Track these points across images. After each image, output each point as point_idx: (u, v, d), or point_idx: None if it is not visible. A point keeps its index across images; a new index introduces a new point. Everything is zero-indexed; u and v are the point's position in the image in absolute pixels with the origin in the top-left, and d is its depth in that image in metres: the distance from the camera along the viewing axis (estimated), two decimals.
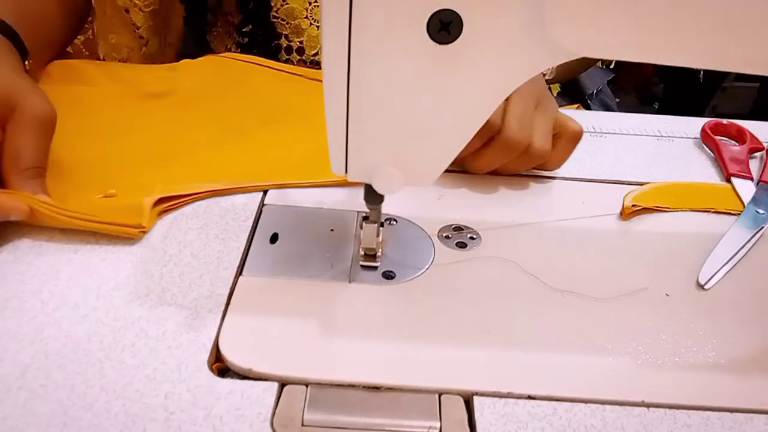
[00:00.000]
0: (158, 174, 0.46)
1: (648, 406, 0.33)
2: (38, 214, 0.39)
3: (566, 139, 0.49)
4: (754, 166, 0.54)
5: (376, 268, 0.40)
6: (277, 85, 0.59)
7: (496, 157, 0.48)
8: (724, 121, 0.59)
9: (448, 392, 0.33)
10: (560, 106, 0.76)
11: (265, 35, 0.65)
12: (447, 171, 0.37)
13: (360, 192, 0.38)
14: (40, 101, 0.43)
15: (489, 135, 0.46)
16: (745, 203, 0.49)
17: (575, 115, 0.52)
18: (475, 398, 0.33)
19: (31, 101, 0.43)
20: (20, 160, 0.41)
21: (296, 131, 0.52)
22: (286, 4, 0.62)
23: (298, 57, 0.65)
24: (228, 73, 0.60)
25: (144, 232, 0.41)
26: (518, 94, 0.46)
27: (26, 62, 0.50)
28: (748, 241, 0.45)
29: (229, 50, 0.67)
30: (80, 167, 0.46)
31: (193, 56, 0.62)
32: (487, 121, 0.43)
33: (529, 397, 0.33)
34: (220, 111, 0.54)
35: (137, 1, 0.63)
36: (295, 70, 0.61)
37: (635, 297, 0.40)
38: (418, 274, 0.40)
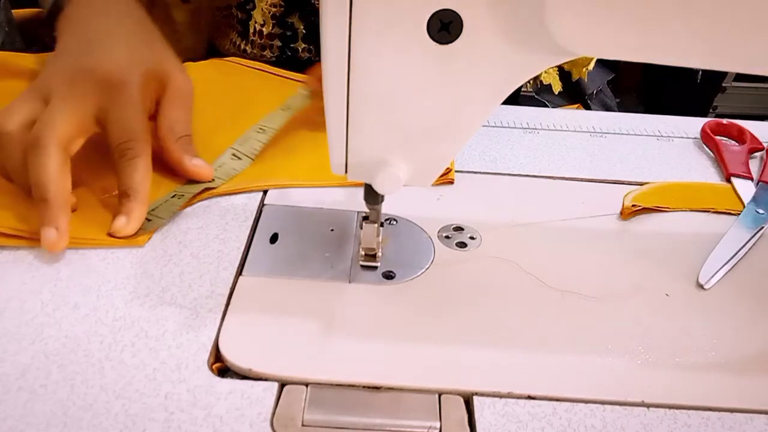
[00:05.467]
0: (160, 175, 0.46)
1: (648, 406, 0.33)
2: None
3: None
4: (754, 166, 0.54)
5: (376, 268, 0.40)
6: (278, 89, 0.59)
7: None
8: (724, 121, 0.59)
9: (448, 392, 0.33)
10: (560, 106, 0.76)
11: None
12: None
13: (360, 192, 0.38)
14: (184, 77, 0.49)
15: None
16: (745, 203, 0.49)
17: (576, 115, 0.52)
18: (475, 398, 0.33)
19: (178, 77, 0.48)
20: (175, 131, 0.46)
21: (297, 134, 0.52)
22: None
23: None
24: (228, 76, 0.60)
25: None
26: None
27: None
28: (748, 241, 0.45)
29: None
30: (86, 166, 0.46)
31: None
32: None
33: (529, 397, 0.33)
34: (219, 113, 0.54)
35: None
36: (297, 77, 0.61)
37: (635, 297, 0.40)
38: (418, 274, 0.40)
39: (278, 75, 0.61)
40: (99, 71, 0.44)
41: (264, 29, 0.65)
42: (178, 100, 0.48)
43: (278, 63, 0.66)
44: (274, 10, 0.64)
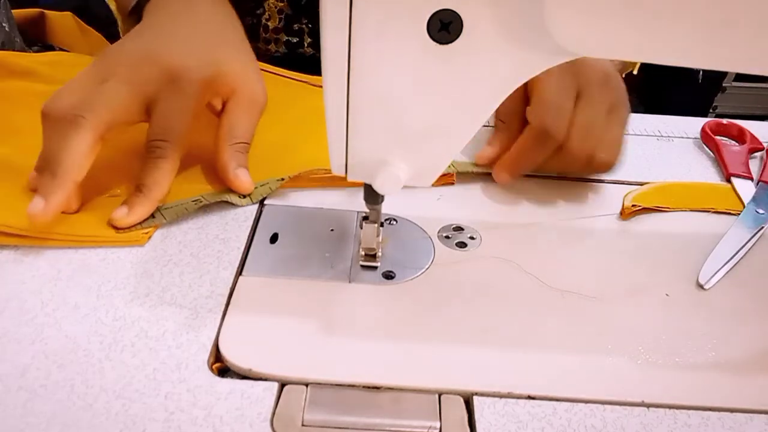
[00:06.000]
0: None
1: (648, 406, 0.33)
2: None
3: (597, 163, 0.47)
4: (754, 166, 0.54)
5: (376, 268, 0.40)
6: (280, 89, 0.59)
7: (556, 166, 0.47)
8: (724, 121, 0.59)
9: (448, 392, 0.33)
10: None
11: None
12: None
13: (360, 192, 0.38)
14: (256, 86, 0.49)
15: (554, 144, 0.45)
16: (745, 203, 0.49)
17: None
18: (475, 398, 0.33)
19: (249, 84, 0.48)
20: (232, 135, 0.46)
21: (296, 133, 0.52)
22: None
23: None
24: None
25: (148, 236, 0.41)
26: (588, 97, 0.44)
27: None
28: (748, 241, 0.45)
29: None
30: (99, 164, 0.46)
31: None
32: (551, 129, 0.43)
33: (529, 397, 0.33)
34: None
35: None
36: (298, 76, 0.61)
37: (635, 297, 0.40)
38: (418, 274, 0.40)
39: (282, 75, 0.61)
40: (163, 61, 0.43)
41: (270, 24, 0.65)
42: (243, 106, 0.47)
43: (283, 58, 0.66)
44: (281, 5, 0.64)
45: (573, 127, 0.44)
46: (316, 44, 0.65)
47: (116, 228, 0.41)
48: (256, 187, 0.45)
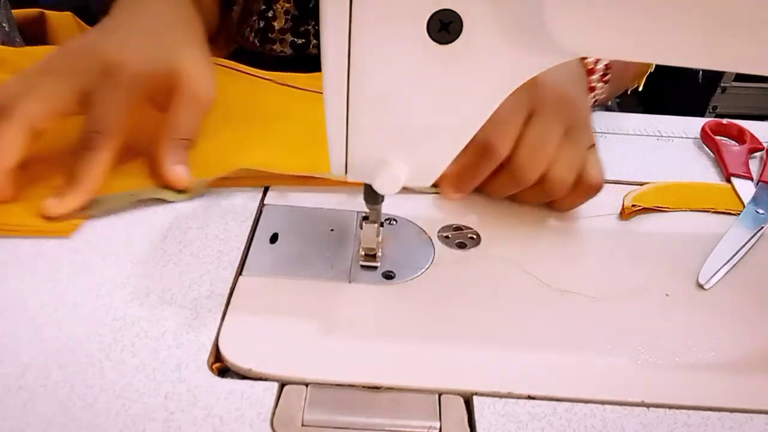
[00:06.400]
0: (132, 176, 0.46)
1: (648, 406, 0.33)
2: None
3: (580, 188, 0.43)
4: (754, 166, 0.54)
5: (376, 268, 0.40)
6: (243, 87, 0.59)
7: (504, 186, 0.44)
8: (724, 121, 0.59)
9: (448, 392, 0.33)
10: None
11: None
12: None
13: (360, 192, 0.38)
14: (203, 83, 0.48)
15: (497, 159, 0.42)
16: (745, 203, 0.49)
17: None
18: (475, 398, 0.33)
19: (194, 81, 0.47)
20: (175, 130, 0.46)
21: (253, 132, 0.52)
22: None
23: None
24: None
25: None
26: (541, 116, 0.42)
27: None
28: (748, 241, 0.45)
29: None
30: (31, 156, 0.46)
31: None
32: (492, 143, 0.41)
33: (529, 397, 0.33)
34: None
35: None
36: (264, 74, 0.60)
37: (635, 297, 0.40)
38: (418, 274, 0.40)
39: (266, 79, 0.60)
40: (100, 55, 0.44)
41: (276, 24, 0.65)
42: (187, 102, 0.47)
43: (289, 59, 0.66)
44: (288, 6, 0.64)
45: (520, 143, 0.42)
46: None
47: (47, 218, 0.41)
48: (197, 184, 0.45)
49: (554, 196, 0.44)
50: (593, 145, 0.44)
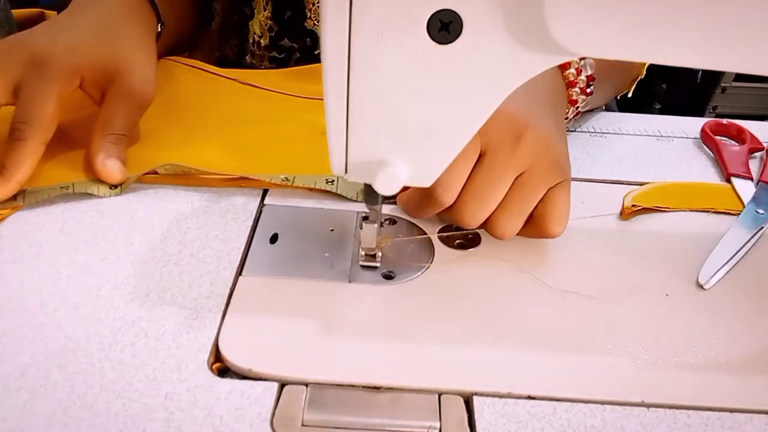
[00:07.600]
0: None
1: (648, 406, 0.33)
2: None
3: (535, 230, 0.41)
4: (754, 166, 0.54)
5: (375, 268, 0.40)
6: (206, 86, 0.59)
7: (455, 221, 0.41)
8: (724, 121, 0.59)
9: (448, 392, 0.33)
10: None
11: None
12: None
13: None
14: (140, 77, 0.48)
15: (438, 205, 0.40)
16: (745, 203, 0.49)
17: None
18: (475, 398, 0.33)
19: (131, 76, 0.47)
20: (109, 125, 0.46)
21: (202, 131, 0.52)
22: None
23: None
24: (164, 74, 0.59)
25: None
26: (491, 159, 0.39)
27: (159, 26, 0.54)
28: (748, 241, 0.45)
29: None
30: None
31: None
32: (438, 195, 0.39)
33: (529, 397, 0.33)
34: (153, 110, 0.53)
35: None
36: (227, 73, 0.60)
37: (635, 297, 0.40)
38: (418, 274, 0.40)
39: (224, 77, 0.60)
40: (30, 47, 0.44)
41: (262, 41, 0.65)
42: (123, 97, 0.47)
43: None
44: (270, 23, 0.64)
45: (464, 191, 0.40)
46: (304, 59, 0.65)
47: None
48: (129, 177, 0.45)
49: (501, 239, 0.41)
50: (564, 181, 0.40)
